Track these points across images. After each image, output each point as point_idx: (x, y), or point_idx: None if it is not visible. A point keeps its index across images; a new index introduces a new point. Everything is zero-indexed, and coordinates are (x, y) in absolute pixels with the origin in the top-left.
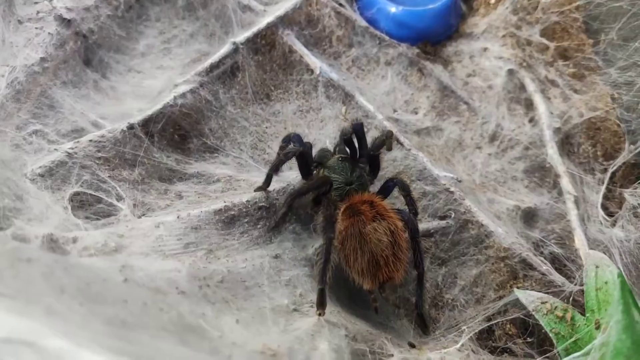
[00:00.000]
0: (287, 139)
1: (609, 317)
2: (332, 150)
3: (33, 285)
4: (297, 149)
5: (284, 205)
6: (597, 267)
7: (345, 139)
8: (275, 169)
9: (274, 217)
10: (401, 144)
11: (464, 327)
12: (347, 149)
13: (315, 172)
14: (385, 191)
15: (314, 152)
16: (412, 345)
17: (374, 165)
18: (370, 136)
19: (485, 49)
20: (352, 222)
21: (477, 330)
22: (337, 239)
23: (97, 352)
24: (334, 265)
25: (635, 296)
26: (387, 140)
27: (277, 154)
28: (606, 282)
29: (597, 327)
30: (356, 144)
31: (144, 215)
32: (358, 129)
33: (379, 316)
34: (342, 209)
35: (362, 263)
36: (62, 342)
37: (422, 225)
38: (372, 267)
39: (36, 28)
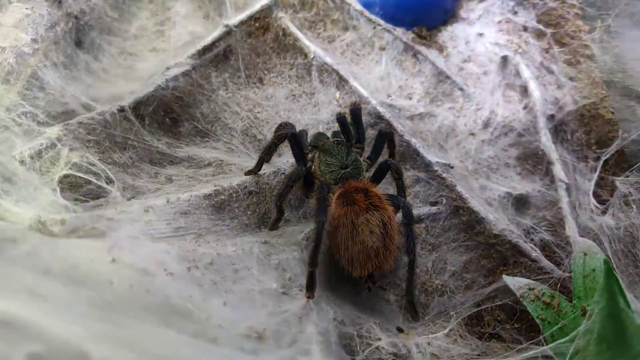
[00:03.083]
0: (281, 128)
1: (595, 304)
2: (328, 134)
3: (16, 265)
4: (288, 132)
5: (275, 209)
6: (585, 254)
7: (341, 122)
8: (267, 152)
9: (270, 219)
10: (394, 130)
11: (453, 313)
12: (344, 133)
13: (310, 156)
14: (379, 174)
15: (309, 138)
16: (400, 330)
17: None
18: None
19: (481, 35)
20: (346, 212)
21: (466, 316)
22: (330, 225)
23: (77, 334)
24: (324, 249)
25: (622, 284)
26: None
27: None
28: (593, 270)
29: (583, 314)
30: (353, 128)
31: (133, 198)
32: (355, 113)
33: (368, 301)
34: (336, 194)
35: (352, 253)
36: (40, 322)
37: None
38: (362, 257)
39: (26, 9)
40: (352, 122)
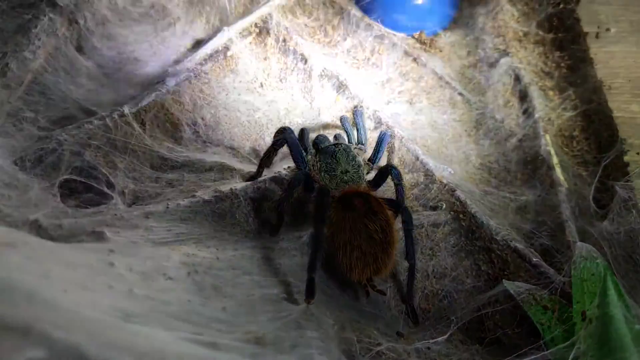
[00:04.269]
0: (279, 133)
1: (595, 309)
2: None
3: (16, 270)
4: (287, 137)
5: (276, 214)
6: (585, 259)
7: (343, 124)
8: (266, 157)
9: (270, 225)
10: (395, 135)
11: (453, 318)
12: (345, 136)
13: (309, 157)
14: (379, 179)
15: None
16: (401, 335)
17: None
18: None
19: (481, 40)
20: (345, 217)
21: (466, 321)
22: (329, 230)
23: (77, 339)
24: (324, 255)
25: (623, 289)
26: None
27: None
28: (593, 274)
29: (584, 319)
30: (355, 131)
31: (134, 203)
32: (357, 115)
33: (368, 305)
34: (336, 199)
35: (351, 258)
36: (40, 327)
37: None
38: (361, 262)
39: (27, 14)
40: (354, 123)
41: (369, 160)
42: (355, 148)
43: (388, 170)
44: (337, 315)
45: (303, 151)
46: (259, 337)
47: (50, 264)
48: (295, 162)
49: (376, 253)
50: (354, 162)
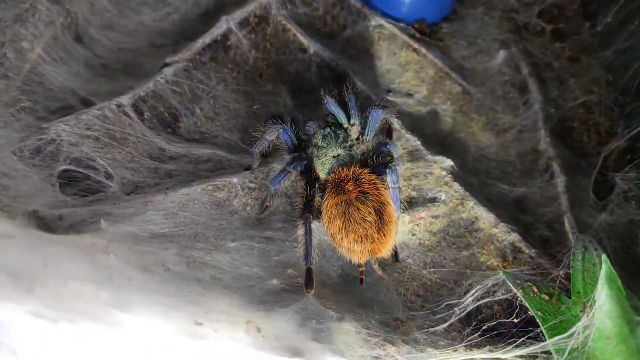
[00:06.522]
0: (271, 120)
1: (594, 300)
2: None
3: (14, 261)
4: (276, 128)
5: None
6: (584, 250)
7: (334, 104)
8: (258, 147)
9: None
10: (394, 128)
11: (455, 309)
12: (338, 116)
13: (303, 144)
14: (374, 155)
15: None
16: (399, 322)
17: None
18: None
19: (481, 31)
20: (337, 202)
21: (465, 311)
22: (324, 216)
23: (78, 330)
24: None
25: (621, 280)
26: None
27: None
28: (593, 265)
29: (582, 310)
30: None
31: (132, 192)
32: (350, 97)
33: (368, 291)
34: (327, 184)
35: (348, 242)
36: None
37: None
38: (358, 245)
39: (25, 3)
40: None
41: (361, 138)
42: (346, 127)
43: (385, 146)
44: (337, 305)
45: (296, 141)
46: (259, 326)
47: (49, 255)
48: (288, 151)
49: (372, 234)
50: (345, 144)
